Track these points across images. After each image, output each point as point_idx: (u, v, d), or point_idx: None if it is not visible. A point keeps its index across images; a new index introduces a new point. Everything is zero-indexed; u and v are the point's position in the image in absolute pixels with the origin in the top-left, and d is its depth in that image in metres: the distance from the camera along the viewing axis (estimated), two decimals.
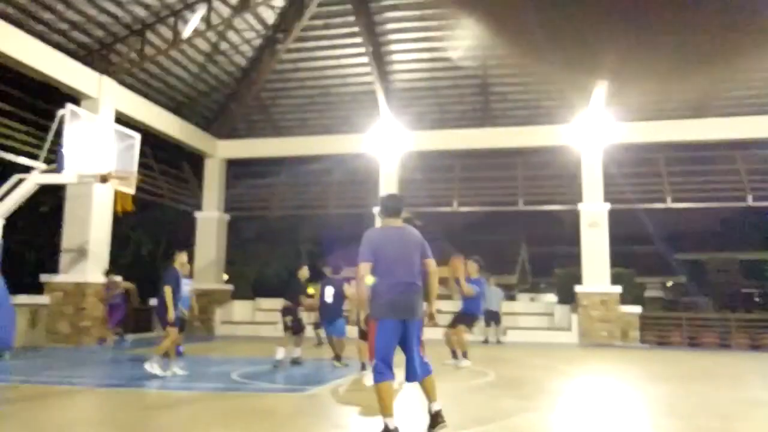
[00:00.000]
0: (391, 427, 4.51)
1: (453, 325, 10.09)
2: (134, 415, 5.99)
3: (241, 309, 18.67)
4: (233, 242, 20.06)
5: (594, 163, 16.40)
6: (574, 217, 16.75)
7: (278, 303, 19.28)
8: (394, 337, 4.65)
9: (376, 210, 17.56)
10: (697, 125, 16.21)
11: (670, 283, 32.06)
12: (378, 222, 17.43)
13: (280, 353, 9.41)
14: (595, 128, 16.34)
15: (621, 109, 16.33)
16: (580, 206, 16.33)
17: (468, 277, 10.02)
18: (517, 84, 17.02)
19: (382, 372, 4.57)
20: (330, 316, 9.55)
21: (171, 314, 7.93)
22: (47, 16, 12.21)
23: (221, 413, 5.96)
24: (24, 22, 11.86)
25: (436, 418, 4.70)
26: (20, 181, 10.64)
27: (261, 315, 18.25)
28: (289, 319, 9.80)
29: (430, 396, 4.80)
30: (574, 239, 16.71)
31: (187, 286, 9.00)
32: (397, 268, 4.74)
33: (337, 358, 9.50)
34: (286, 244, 24.19)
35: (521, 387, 7.94)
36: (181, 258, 8.55)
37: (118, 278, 13.14)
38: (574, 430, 5.46)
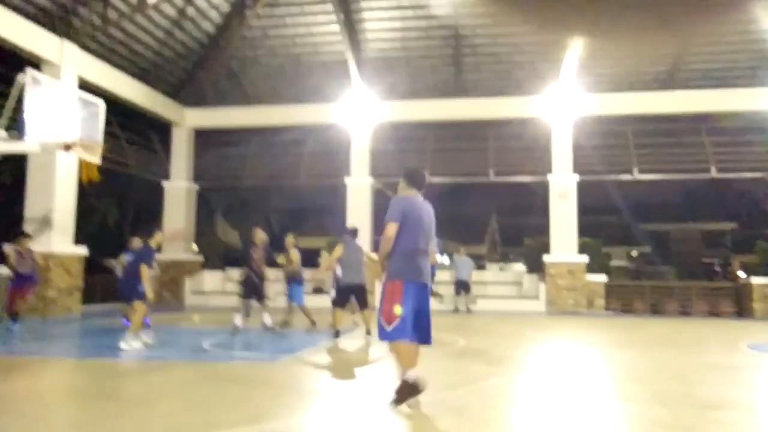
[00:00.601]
0: (412, 378, 4.63)
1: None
2: (105, 383, 5.97)
3: (211, 279, 18.57)
4: (203, 213, 19.84)
5: (564, 135, 16.58)
6: (544, 188, 16.96)
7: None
8: (416, 299, 4.76)
9: (348, 180, 17.54)
10: (664, 98, 16.46)
11: (634, 253, 32.87)
12: (353, 192, 17.41)
13: (237, 319, 9.44)
14: (565, 100, 16.48)
15: (591, 80, 16.49)
16: (550, 177, 16.53)
17: None
18: (490, 54, 17.00)
19: (403, 330, 4.64)
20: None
21: (149, 292, 8.04)
22: None
23: (193, 381, 5.97)
24: None
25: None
26: None
27: (231, 285, 18.16)
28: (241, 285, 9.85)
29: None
30: (544, 210, 16.97)
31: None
32: (420, 236, 4.91)
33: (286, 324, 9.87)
34: (257, 214, 24.01)
35: (489, 353, 8.12)
36: (158, 237, 8.53)
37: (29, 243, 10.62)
38: (540, 393, 5.62)
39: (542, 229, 17.41)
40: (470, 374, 6.42)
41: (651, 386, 5.85)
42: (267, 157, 19.17)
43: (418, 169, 5.43)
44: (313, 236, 27.14)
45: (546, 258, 16.12)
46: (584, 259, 15.95)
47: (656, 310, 15.49)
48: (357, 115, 17.39)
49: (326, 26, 16.38)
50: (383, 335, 4.76)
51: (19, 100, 10.29)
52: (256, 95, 18.75)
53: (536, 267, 17.07)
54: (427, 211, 5.14)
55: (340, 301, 9.29)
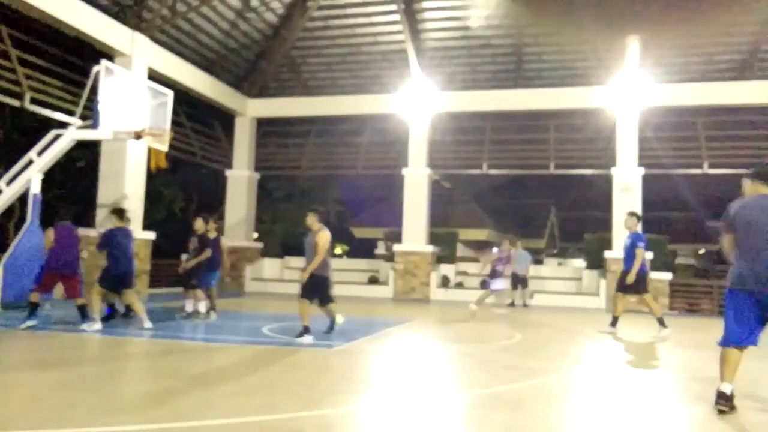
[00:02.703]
0: (728, 392, 4.55)
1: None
2: (171, 363, 6.22)
3: (270, 266, 19.01)
4: (263, 201, 20.27)
5: (629, 127, 16.01)
6: (607, 182, 16.45)
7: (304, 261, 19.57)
8: (745, 307, 4.59)
9: (405, 171, 17.54)
10: (738, 88, 15.63)
11: (702, 251, 31.54)
12: (411, 183, 17.41)
13: (189, 305, 9.68)
14: (630, 90, 15.88)
15: (658, 70, 15.85)
16: (613, 170, 16.03)
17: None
18: (552, 44, 16.59)
19: (734, 336, 4.61)
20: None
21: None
22: None
23: (253, 364, 6.14)
24: None
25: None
26: (57, 136, 10.86)
27: (289, 273, 18.56)
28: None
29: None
30: (606, 204, 16.46)
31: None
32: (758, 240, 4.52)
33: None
34: (315, 204, 24.36)
35: (547, 349, 8.00)
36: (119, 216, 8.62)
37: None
38: (597, 390, 5.50)
39: (604, 224, 16.92)
40: (527, 369, 6.34)
41: (715, 387, 5.62)
42: (326, 147, 19.39)
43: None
44: (369, 227, 27.37)
45: (608, 254, 15.67)
46: (649, 255, 15.40)
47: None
48: (415, 105, 17.33)
49: (386, 16, 16.36)
50: (722, 341, 4.69)
51: (94, 90, 10.81)
52: (317, 85, 18.97)
53: (597, 263, 16.61)
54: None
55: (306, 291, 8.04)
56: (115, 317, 8.89)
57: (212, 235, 10.06)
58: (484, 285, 12.51)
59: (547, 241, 31.42)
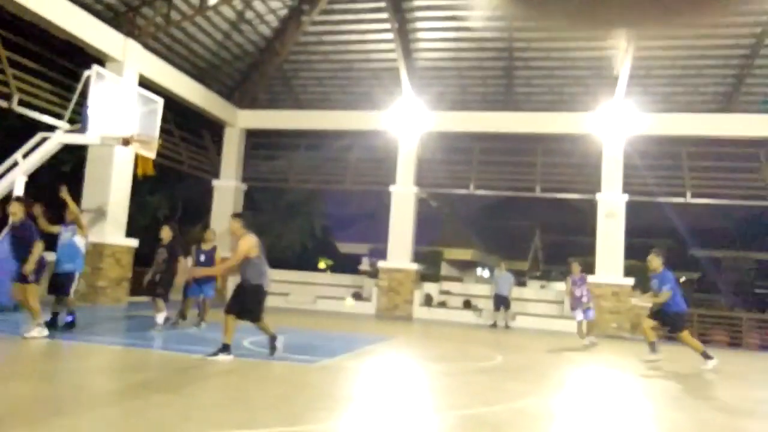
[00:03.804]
0: None
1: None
2: (151, 374, 6.13)
3: None
4: (248, 211, 20.18)
5: (614, 154, 16.23)
6: (591, 207, 16.62)
7: (288, 275, 19.44)
8: None
9: (393, 188, 17.59)
10: (722, 120, 15.94)
11: (683, 279, 31.83)
12: (398, 200, 17.43)
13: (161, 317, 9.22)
14: (618, 118, 16.12)
15: (646, 99, 16.12)
16: (598, 196, 16.21)
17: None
18: (542, 68, 16.84)
19: None
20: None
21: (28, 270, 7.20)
22: None
23: (234, 377, 6.08)
24: None
25: None
26: (44, 139, 10.76)
27: (273, 286, 18.38)
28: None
29: None
30: (590, 229, 16.61)
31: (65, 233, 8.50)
32: None
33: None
34: (300, 217, 24.33)
35: (527, 372, 8.00)
36: (36, 210, 8.05)
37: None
38: (577, 415, 5.50)
39: (588, 249, 17.04)
40: (506, 392, 6.33)
41: (695, 415, 5.66)
42: (314, 161, 19.40)
43: None
44: (354, 242, 27.34)
45: (590, 278, 15.74)
46: (630, 281, 15.54)
47: (704, 340, 14.89)
48: (405, 123, 17.44)
49: (379, 34, 16.51)
50: None
51: (83, 94, 10.75)
52: (307, 99, 19.03)
53: None
54: None
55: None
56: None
57: (209, 246, 10.03)
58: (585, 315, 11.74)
59: (531, 264, 31.56)
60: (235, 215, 7.19)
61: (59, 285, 8.33)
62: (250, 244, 6.77)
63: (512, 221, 30.17)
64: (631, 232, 16.10)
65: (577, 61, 16.34)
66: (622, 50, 15.00)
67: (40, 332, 7.29)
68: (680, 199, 16.66)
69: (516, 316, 15.75)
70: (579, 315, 11.53)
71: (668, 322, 9.05)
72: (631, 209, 16.15)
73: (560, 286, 24.78)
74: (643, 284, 16.03)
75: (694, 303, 19.87)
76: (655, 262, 8.99)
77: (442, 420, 4.90)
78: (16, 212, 7.47)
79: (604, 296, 15.50)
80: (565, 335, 14.30)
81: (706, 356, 8.94)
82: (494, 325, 15.18)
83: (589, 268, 16.08)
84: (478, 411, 5.20)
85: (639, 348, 12.58)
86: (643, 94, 16.11)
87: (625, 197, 16.02)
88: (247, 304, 6.82)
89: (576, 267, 11.64)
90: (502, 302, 15.34)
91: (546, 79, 17.16)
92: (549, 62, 16.55)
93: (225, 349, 6.68)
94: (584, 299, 11.51)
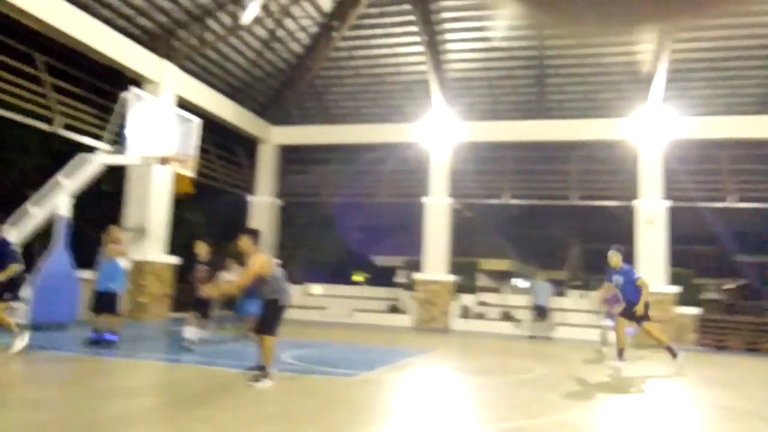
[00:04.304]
0: None
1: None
2: (196, 388, 6.20)
3: (292, 292, 18.99)
4: (285, 227, 20.39)
5: (652, 159, 15.89)
6: (629, 214, 16.28)
7: (324, 289, 19.54)
8: None
9: (426, 200, 17.55)
10: (763, 122, 15.47)
11: (728, 286, 30.85)
12: (431, 212, 17.40)
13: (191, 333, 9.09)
14: (654, 123, 15.81)
15: (684, 102, 15.77)
16: (637, 203, 15.88)
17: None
18: (575, 75, 16.65)
19: None
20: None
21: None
22: (113, 1, 12.61)
23: (276, 391, 6.09)
24: (91, 6, 12.28)
25: None
26: (85, 160, 11.08)
27: (310, 300, 18.54)
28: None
29: None
30: (629, 237, 16.26)
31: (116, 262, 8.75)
32: None
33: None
34: (336, 231, 24.45)
35: (569, 383, 7.83)
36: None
37: None
38: (623, 427, 5.35)
39: (627, 257, 16.65)
40: (549, 404, 6.20)
41: (744, 426, 5.45)
42: (347, 175, 19.51)
43: None
44: (390, 255, 27.33)
45: None
46: (673, 290, 15.13)
47: (753, 348, 14.42)
48: (437, 134, 17.42)
49: (409, 47, 16.58)
50: None
51: (123, 116, 11.05)
52: (339, 114, 19.19)
53: None
54: None
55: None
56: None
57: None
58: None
59: (569, 273, 31.06)
60: (245, 232, 6.82)
61: (104, 304, 8.52)
62: (261, 262, 6.48)
63: (549, 230, 29.77)
64: (673, 239, 15.69)
65: (610, 66, 16.10)
66: (656, 53, 14.73)
67: (22, 340, 7.25)
68: (721, 204, 16.19)
69: (556, 326, 15.47)
70: (610, 322, 11.19)
71: (627, 314, 9.25)
72: (674, 215, 15.75)
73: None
74: (688, 293, 15.61)
75: (742, 311, 19.26)
76: (615, 258, 9.42)
77: None
78: None
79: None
80: (607, 346, 13.97)
81: (620, 355, 9.02)
82: (533, 337, 14.93)
83: None
84: (521, 424, 5.11)
85: (685, 358, 12.25)
86: (680, 98, 15.76)
87: (666, 203, 15.65)
88: (263, 317, 6.58)
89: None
90: (540, 312, 15.10)
91: (579, 85, 16.95)
92: (581, 68, 16.35)
93: (266, 374, 6.29)
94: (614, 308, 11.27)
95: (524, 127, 17.18)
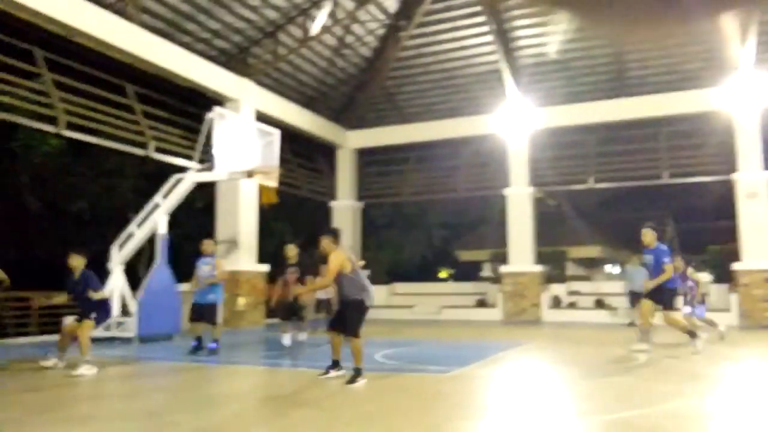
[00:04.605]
0: None
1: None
2: (294, 390, 6.42)
3: (377, 293, 19.17)
4: (367, 229, 20.66)
5: (750, 128, 14.86)
6: (728, 189, 15.30)
7: (411, 287, 19.63)
8: None
9: (507, 191, 17.26)
10: None
11: None
12: (514, 203, 17.10)
13: (286, 339, 9.48)
14: (748, 88, 14.75)
15: None
16: (736, 176, 14.90)
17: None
18: (656, 48, 15.79)
19: None
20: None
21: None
22: (191, 26, 13.27)
23: (370, 391, 6.20)
24: (171, 33, 12.99)
25: None
26: (178, 180, 11.72)
27: (396, 299, 18.70)
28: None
29: None
30: (729, 212, 15.28)
31: (204, 267, 9.08)
32: None
33: None
34: (418, 229, 24.52)
35: (675, 371, 7.47)
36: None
37: None
38: (736, 416, 5.04)
39: (729, 234, 15.69)
40: (655, 393, 5.94)
41: None
42: (425, 172, 19.50)
43: None
44: (474, 249, 27.07)
45: (737, 266, 14.49)
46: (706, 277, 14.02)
47: None
48: (513, 124, 17.08)
49: (478, 38, 16.37)
50: None
51: (208, 135, 11.60)
52: (413, 112, 19.22)
53: (724, 276, 15.41)
54: None
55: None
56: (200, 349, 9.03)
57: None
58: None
59: None
60: (324, 233, 6.87)
61: (204, 314, 9.00)
62: (339, 259, 6.53)
63: (640, 212, 28.46)
64: None
65: (694, 35, 15.18)
66: (746, 16, 13.75)
67: (88, 369, 7.12)
68: None
69: (656, 312, 14.76)
70: (687, 309, 10.64)
71: (663, 300, 8.63)
72: None
73: (703, 277, 23.03)
74: None
75: None
76: (649, 236, 8.70)
77: (587, 426, 4.70)
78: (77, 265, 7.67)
79: (756, 283, 14.17)
80: (710, 329, 13.22)
81: (693, 335, 8.67)
82: (631, 324, 14.31)
83: (734, 255, 14.82)
84: (625, 415, 4.92)
85: None
86: None
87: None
88: (346, 316, 6.63)
89: (678, 262, 10.52)
90: (636, 298, 14.44)
91: (661, 59, 16.07)
92: (663, 40, 15.50)
93: (359, 373, 6.40)
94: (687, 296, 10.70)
95: (605, 107, 16.54)
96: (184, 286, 13.08)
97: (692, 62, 15.89)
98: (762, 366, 8.21)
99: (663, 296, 8.62)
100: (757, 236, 14.39)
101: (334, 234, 6.84)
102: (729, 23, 13.59)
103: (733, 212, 14.97)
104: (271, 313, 15.51)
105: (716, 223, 22.58)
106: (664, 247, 8.78)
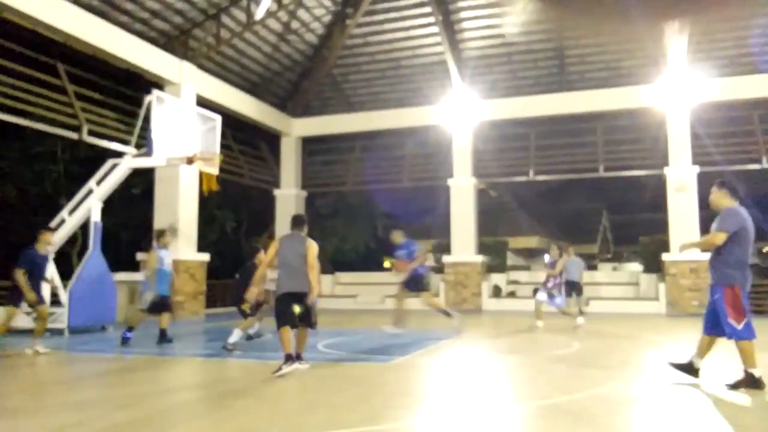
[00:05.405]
0: (758, 374, 5.41)
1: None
2: (233, 381, 6.33)
3: (322, 282, 19.18)
4: (311, 218, 20.46)
5: (680, 125, 15.56)
6: (659, 182, 15.99)
7: (355, 277, 19.65)
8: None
9: (451, 182, 17.48)
10: None
11: (766, 249, 30.15)
12: (457, 193, 17.31)
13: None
14: (681, 87, 15.44)
15: (708, 64, 15.37)
16: (666, 170, 15.59)
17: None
18: (595, 45, 16.32)
19: (751, 331, 5.49)
20: None
21: (29, 296, 7.90)
22: (129, 5, 12.76)
23: (311, 380, 6.18)
24: (107, 12, 12.46)
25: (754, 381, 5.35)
26: (114, 165, 11.29)
27: (340, 288, 18.69)
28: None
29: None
30: (660, 205, 15.98)
31: (167, 259, 9.11)
32: (750, 248, 5.64)
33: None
34: (363, 219, 24.51)
35: (606, 358, 7.79)
36: (45, 237, 8.29)
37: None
38: (663, 401, 5.31)
39: (659, 226, 16.42)
40: (587, 379, 6.18)
41: None
42: (370, 162, 19.52)
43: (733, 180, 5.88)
44: (418, 239, 27.27)
45: (665, 256, 15.19)
46: (709, 256, 14.83)
47: None
48: (458, 115, 17.30)
49: (424, 29, 16.45)
50: (737, 334, 5.46)
51: (146, 119, 11.21)
52: (358, 101, 19.17)
53: (654, 266, 16.12)
54: (751, 223, 5.62)
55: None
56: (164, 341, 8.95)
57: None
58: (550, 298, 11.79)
59: (601, 246, 30.67)
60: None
61: (165, 305, 9.06)
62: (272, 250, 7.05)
63: (577, 204, 29.41)
64: (705, 204, 15.36)
65: (632, 33, 15.71)
66: (679, 20, 14.33)
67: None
68: (756, 166, 15.78)
69: (589, 301, 15.33)
70: (542, 296, 11.72)
71: (418, 286, 10.48)
72: (703, 181, 15.42)
73: (634, 267, 24.12)
74: None
75: None
76: (398, 236, 10.96)
77: (522, 411, 4.84)
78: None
79: (682, 273, 14.90)
80: (641, 317, 13.85)
81: (447, 314, 10.46)
82: (567, 313, 14.80)
83: (664, 246, 15.51)
84: (559, 400, 5.10)
85: None
86: (706, 59, 15.37)
87: (696, 169, 15.33)
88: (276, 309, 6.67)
89: (555, 251, 12.04)
90: (573, 288, 14.93)
91: (599, 54, 16.62)
92: (601, 37, 16.01)
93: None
94: (549, 284, 11.66)
95: (546, 101, 16.96)
96: (120, 275, 12.71)
97: (628, 59, 16.48)
98: (684, 351, 8.64)
99: (417, 283, 10.38)
100: (685, 228, 15.11)
101: (269, 232, 7.01)
102: (665, 24, 14.16)
103: (664, 205, 15.66)
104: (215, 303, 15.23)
105: (649, 215, 23.56)
106: (413, 242, 10.77)
